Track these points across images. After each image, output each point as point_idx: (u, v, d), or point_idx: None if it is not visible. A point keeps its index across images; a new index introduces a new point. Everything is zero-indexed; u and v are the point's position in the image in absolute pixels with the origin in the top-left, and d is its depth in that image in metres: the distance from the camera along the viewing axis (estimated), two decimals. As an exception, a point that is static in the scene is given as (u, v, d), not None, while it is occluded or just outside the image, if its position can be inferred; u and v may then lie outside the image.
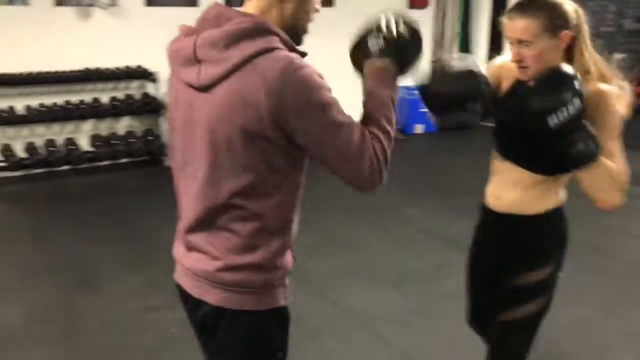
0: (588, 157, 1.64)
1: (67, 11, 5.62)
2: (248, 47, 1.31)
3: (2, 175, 5.42)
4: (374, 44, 1.53)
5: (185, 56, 1.40)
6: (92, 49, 5.74)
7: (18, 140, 5.55)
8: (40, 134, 5.65)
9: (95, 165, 5.80)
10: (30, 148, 5.40)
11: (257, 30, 1.33)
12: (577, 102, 1.57)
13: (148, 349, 3.02)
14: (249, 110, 1.30)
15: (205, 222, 1.45)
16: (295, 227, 1.52)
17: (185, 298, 1.57)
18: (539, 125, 1.59)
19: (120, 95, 5.87)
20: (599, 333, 3.19)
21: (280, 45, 1.35)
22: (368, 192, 1.43)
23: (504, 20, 1.79)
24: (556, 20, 1.72)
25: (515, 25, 1.75)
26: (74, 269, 3.81)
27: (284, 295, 1.52)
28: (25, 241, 4.24)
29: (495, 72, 2.00)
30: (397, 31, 1.52)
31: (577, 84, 1.59)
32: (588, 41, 1.80)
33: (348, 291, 3.57)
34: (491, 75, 1.97)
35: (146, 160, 6.00)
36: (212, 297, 1.47)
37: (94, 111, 5.61)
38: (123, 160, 5.86)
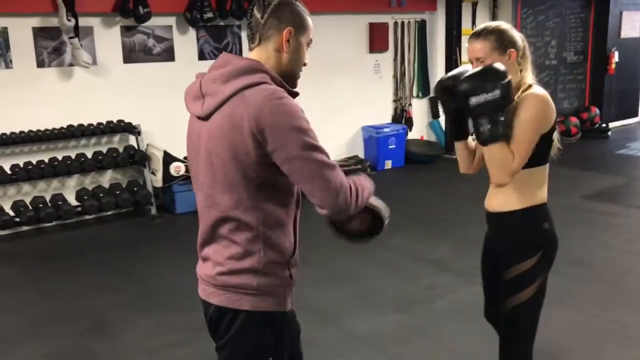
0: (491, 137, 2.10)
1: (50, 72, 5.81)
2: (240, 82, 1.63)
3: (-9, 235, 5.48)
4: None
5: (194, 93, 1.75)
6: (75, 107, 5.92)
7: (5, 199, 5.63)
8: (27, 192, 5.74)
9: (82, 220, 5.91)
10: (19, 206, 5.48)
11: (250, 69, 1.66)
12: (496, 91, 2.05)
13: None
14: (236, 133, 1.60)
15: (210, 234, 1.74)
16: (290, 243, 1.76)
17: (202, 303, 1.83)
18: (463, 102, 2.10)
19: (103, 149, 6.04)
20: (581, 334, 3.52)
21: (269, 81, 1.66)
22: (331, 212, 1.64)
23: (467, 44, 2.29)
24: (504, 42, 2.22)
25: (473, 47, 2.25)
26: (85, 317, 3.92)
27: (281, 303, 1.76)
28: (29, 296, 4.32)
29: None
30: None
31: (502, 78, 2.06)
32: (529, 63, 2.30)
33: (355, 317, 3.81)
34: None
35: (131, 211, 6.15)
36: (215, 298, 1.74)
37: (80, 166, 5.75)
38: (108, 213, 6.00)
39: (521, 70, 2.26)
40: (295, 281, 1.84)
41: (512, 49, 2.22)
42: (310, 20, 1.77)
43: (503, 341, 2.38)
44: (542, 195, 2.30)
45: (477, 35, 2.25)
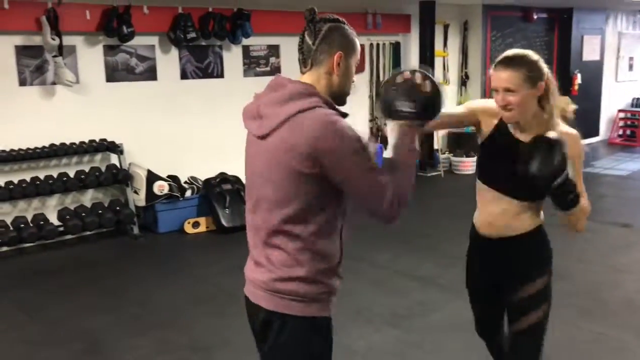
0: (574, 204, 2.15)
1: (32, 90, 5.75)
2: (296, 106, 1.73)
3: (-30, 256, 5.37)
4: (404, 106, 1.84)
5: (251, 113, 1.85)
6: (57, 125, 5.87)
7: (-16, 219, 5.53)
8: (7, 212, 5.65)
9: (63, 240, 5.84)
10: (0, 227, 5.39)
11: (304, 93, 1.76)
12: (566, 169, 2.06)
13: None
14: (293, 154, 1.69)
15: (264, 243, 1.84)
16: (337, 253, 1.87)
17: (248, 305, 1.92)
18: (547, 183, 2.08)
19: (86, 168, 6.00)
20: (568, 347, 3.66)
21: (321, 104, 1.76)
22: (389, 224, 1.79)
23: (491, 72, 2.22)
24: (534, 74, 2.16)
25: (501, 76, 2.17)
26: (78, 339, 3.88)
27: (326, 308, 1.88)
28: (19, 317, 4.25)
29: (475, 111, 2.43)
30: (423, 90, 1.83)
31: (565, 155, 2.05)
32: (556, 92, 2.27)
33: (350, 333, 3.87)
34: (470, 112, 2.43)
35: (113, 230, 6.10)
36: (266, 302, 1.83)
37: (63, 185, 5.70)
38: (91, 233, 5.94)
39: (549, 101, 2.23)
40: (338, 288, 1.93)
41: (542, 82, 2.17)
42: (357, 41, 1.87)
43: (517, 356, 2.44)
44: (542, 215, 2.43)
45: (506, 64, 2.17)
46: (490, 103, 2.32)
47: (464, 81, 9.68)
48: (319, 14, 1.82)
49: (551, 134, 2.10)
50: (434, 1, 8.49)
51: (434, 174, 8.77)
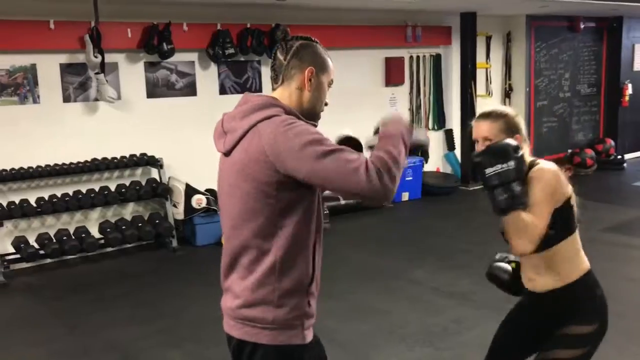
0: (508, 207, 2.06)
1: (75, 107, 5.93)
2: (255, 117, 1.73)
3: (15, 268, 5.53)
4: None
5: (218, 131, 1.85)
6: (99, 140, 6.03)
7: (29, 231, 5.69)
8: (51, 225, 5.81)
9: (104, 252, 5.96)
10: (43, 239, 5.54)
11: (265, 104, 1.75)
12: (511, 163, 2.06)
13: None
14: (255, 164, 1.68)
15: (231, 264, 1.80)
16: (308, 272, 1.77)
17: (226, 335, 1.87)
18: (481, 174, 2.11)
19: (126, 182, 6.12)
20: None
21: (281, 113, 1.73)
22: (379, 202, 1.66)
23: (472, 123, 2.34)
24: (511, 126, 2.28)
25: (480, 127, 2.30)
26: (113, 350, 3.94)
27: (299, 335, 1.77)
28: (56, 329, 4.35)
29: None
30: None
31: (515, 151, 2.07)
32: (527, 148, 2.32)
33: (382, 352, 3.80)
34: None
35: (152, 243, 6.20)
36: (236, 331, 1.79)
37: (104, 199, 5.83)
38: (130, 245, 6.05)
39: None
40: (315, 312, 1.84)
41: (518, 135, 2.26)
42: (330, 61, 1.86)
43: None
44: (584, 263, 2.31)
45: (485, 116, 2.32)
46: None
47: (507, 93, 9.49)
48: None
49: (509, 140, 2.16)
50: (475, 13, 8.37)
51: (475, 187, 8.60)
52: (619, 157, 10.09)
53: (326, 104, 1.87)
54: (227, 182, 1.76)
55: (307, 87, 1.79)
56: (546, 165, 2.24)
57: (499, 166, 2.06)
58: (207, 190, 6.41)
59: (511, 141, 2.12)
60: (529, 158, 2.26)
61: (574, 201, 2.26)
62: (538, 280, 2.32)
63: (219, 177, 1.87)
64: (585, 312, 2.27)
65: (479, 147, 2.29)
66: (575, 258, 2.29)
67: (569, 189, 2.23)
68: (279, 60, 1.81)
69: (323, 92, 1.83)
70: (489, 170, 2.07)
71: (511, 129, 2.27)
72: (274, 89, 1.84)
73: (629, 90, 10.32)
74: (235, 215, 1.75)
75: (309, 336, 1.80)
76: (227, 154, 1.77)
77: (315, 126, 1.80)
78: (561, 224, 2.20)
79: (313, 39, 1.85)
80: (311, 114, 1.81)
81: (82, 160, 5.87)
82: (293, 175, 1.65)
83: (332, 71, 1.86)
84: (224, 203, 1.82)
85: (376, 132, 1.88)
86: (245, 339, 1.75)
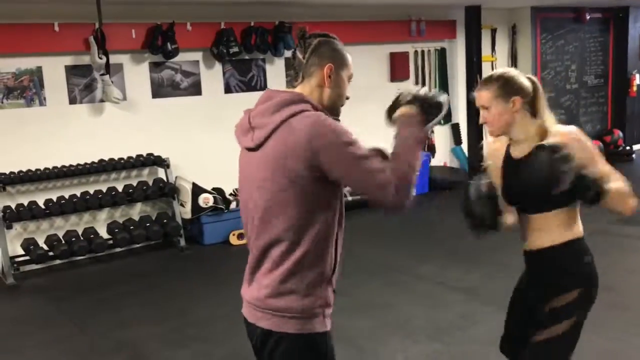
0: (597, 199, 2.11)
1: (81, 108, 5.97)
2: (286, 112, 1.74)
3: (25, 269, 5.57)
4: (404, 97, 1.94)
5: (243, 127, 1.86)
6: (105, 141, 6.06)
7: (38, 233, 5.74)
8: (59, 226, 5.86)
9: (112, 253, 6.00)
10: (52, 240, 5.58)
11: (293, 100, 1.77)
12: (567, 167, 2.06)
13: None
14: (288, 158, 1.69)
15: (261, 258, 1.83)
16: (331, 263, 1.83)
17: (246, 325, 1.92)
18: (544, 191, 2.13)
19: (134, 182, 6.15)
20: (614, 357, 3.49)
21: (310, 109, 1.76)
22: (395, 213, 1.75)
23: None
24: (508, 89, 2.24)
25: (479, 95, 2.30)
26: (123, 350, 3.97)
27: (323, 323, 1.83)
28: (67, 329, 4.38)
29: (489, 152, 2.52)
30: (423, 91, 1.95)
31: (561, 154, 2.08)
32: (543, 102, 2.31)
33: (390, 346, 3.81)
34: (489, 170, 2.50)
35: (160, 243, 6.23)
36: (264, 322, 1.82)
37: (112, 200, 5.87)
38: (139, 245, 6.08)
39: (536, 115, 2.28)
40: (333, 300, 1.89)
41: (517, 97, 2.24)
42: (349, 56, 1.88)
43: None
44: (578, 229, 2.32)
45: (481, 83, 2.32)
46: (491, 143, 2.47)
47: (513, 86, 9.44)
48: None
49: (548, 141, 2.17)
50: (479, 6, 8.33)
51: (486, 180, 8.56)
52: (628, 147, 10.03)
53: (347, 98, 1.89)
54: (258, 176, 1.78)
55: (327, 83, 1.81)
56: (566, 128, 2.26)
57: (562, 183, 2.08)
58: (214, 189, 6.44)
59: (550, 146, 2.12)
60: (549, 118, 2.28)
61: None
62: (534, 239, 2.34)
63: (241, 172, 1.90)
64: (570, 275, 2.28)
65: (481, 115, 2.30)
66: (574, 221, 2.31)
67: None
68: (299, 59, 1.83)
69: (343, 87, 1.86)
70: (558, 189, 2.09)
71: (507, 93, 2.24)
72: (294, 87, 1.86)
73: (637, 80, 10.24)
74: (267, 209, 1.77)
75: (329, 324, 1.86)
76: (255, 148, 1.79)
77: (339, 121, 1.84)
78: (573, 187, 2.17)
79: (331, 35, 1.87)
80: (332, 110, 1.84)
81: (89, 162, 5.90)
82: (327, 171, 1.70)
83: (351, 66, 1.89)
84: (249, 197, 1.84)
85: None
86: (273, 329, 1.79)
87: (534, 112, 2.28)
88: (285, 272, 1.77)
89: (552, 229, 2.28)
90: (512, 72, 2.31)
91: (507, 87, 2.24)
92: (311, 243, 1.76)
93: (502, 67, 2.36)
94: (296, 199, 1.72)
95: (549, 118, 2.30)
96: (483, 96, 2.27)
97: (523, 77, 2.28)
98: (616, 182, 2.17)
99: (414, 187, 1.73)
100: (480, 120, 2.33)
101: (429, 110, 1.89)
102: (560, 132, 2.24)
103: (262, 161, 1.77)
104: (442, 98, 1.94)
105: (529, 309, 2.42)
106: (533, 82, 2.29)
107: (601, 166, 2.20)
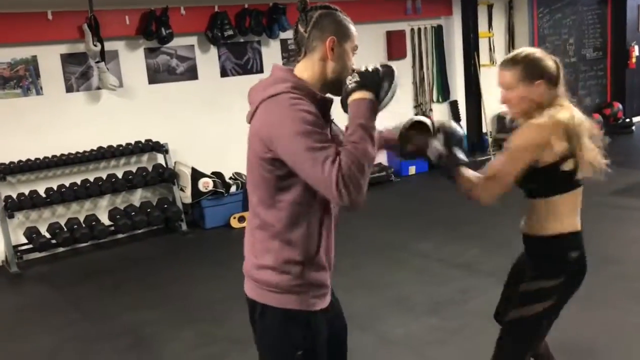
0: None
1: (78, 96, 5.98)
2: (269, 91, 1.75)
3: (29, 258, 5.63)
4: (350, 81, 1.75)
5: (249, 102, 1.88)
6: (104, 128, 6.08)
7: (41, 221, 5.78)
8: (61, 214, 5.90)
9: (114, 239, 6.05)
10: (54, 228, 5.63)
11: (276, 80, 1.77)
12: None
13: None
14: (256, 138, 1.73)
15: (248, 230, 1.90)
16: (314, 244, 1.80)
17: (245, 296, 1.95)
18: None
19: (133, 168, 6.18)
20: (617, 330, 3.51)
21: (290, 89, 1.72)
22: (350, 210, 1.62)
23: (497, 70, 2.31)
24: (530, 71, 2.18)
25: (501, 74, 2.26)
26: (126, 334, 4.02)
27: (305, 302, 1.82)
28: (71, 315, 4.44)
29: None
30: (370, 68, 1.76)
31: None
32: (562, 87, 2.25)
33: (388, 322, 3.85)
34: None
35: (162, 228, 6.27)
36: (250, 292, 1.88)
37: (112, 186, 5.90)
38: (140, 231, 6.13)
39: (555, 99, 2.22)
40: (327, 284, 1.89)
41: (541, 80, 2.18)
42: (353, 27, 1.83)
43: (497, 347, 2.35)
44: (570, 225, 2.25)
45: (504, 63, 2.26)
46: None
47: (511, 61, 9.39)
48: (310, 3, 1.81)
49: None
50: (475, -19, 8.28)
51: (483, 158, 8.57)
52: (627, 120, 10.00)
53: (353, 70, 1.79)
54: (248, 151, 1.82)
55: (330, 56, 1.77)
56: (538, 121, 2.15)
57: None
58: (213, 173, 6.46)
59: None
60: (561, 98, 2.22)
61: (571, 166, 2.16)
62: (527, 223, 2.35)
63: None
64: (549, 268, 2.25)
65: (502, 96, 2.26)
66: (561, 217, 2.23)
67: (560, 149, 2.12)
68: (300, 33, 1.79)
69: (347, 59, 1.80)
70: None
71: (532, 75, 2.17)
72: (297, 61, 1.83)
73: (636, 51, 10.19)
74: (248, 183, 1.85)
75: (319, 305, 1.85)
76: (250, 123, 1.82)
77: (340, 93, 1.78)
78: (544, 182, 2.20)
79: (333, 6, 1.82)
80: (337, 83, 1.79)
81: (88, 149, 5.93)
82: (279, 155, 1.69)
83: (356, 37, 1.82)
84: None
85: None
86: (257, 299, 1.84)
87: (554, 95, 2.21)
88: (261, 248, 1.82)
89: (540, 217, 2.26)
90: (538, 53, 2.24)
91: (532, 68, 2.18)
92: (281, 223, 1.77)
93: (527, 47, 2.29)
94: (261, 180, 1.76)
95: (563, 102, 2.21)
96: (507, 76, 2.22)
97: (549, 59, 2.22)
98: (481, 175, 2.23)
99: (364, 183, 1.62)
100: (501, 101, 2.28)
101: (378, 87, 1.74)
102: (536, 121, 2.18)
103: (249, 136, 1.81)
104: (386, 70, 1.77)
105: (515, 281, 2.45)
106: (557, 66, 2.23)
107: (496, 161, 2.22)
